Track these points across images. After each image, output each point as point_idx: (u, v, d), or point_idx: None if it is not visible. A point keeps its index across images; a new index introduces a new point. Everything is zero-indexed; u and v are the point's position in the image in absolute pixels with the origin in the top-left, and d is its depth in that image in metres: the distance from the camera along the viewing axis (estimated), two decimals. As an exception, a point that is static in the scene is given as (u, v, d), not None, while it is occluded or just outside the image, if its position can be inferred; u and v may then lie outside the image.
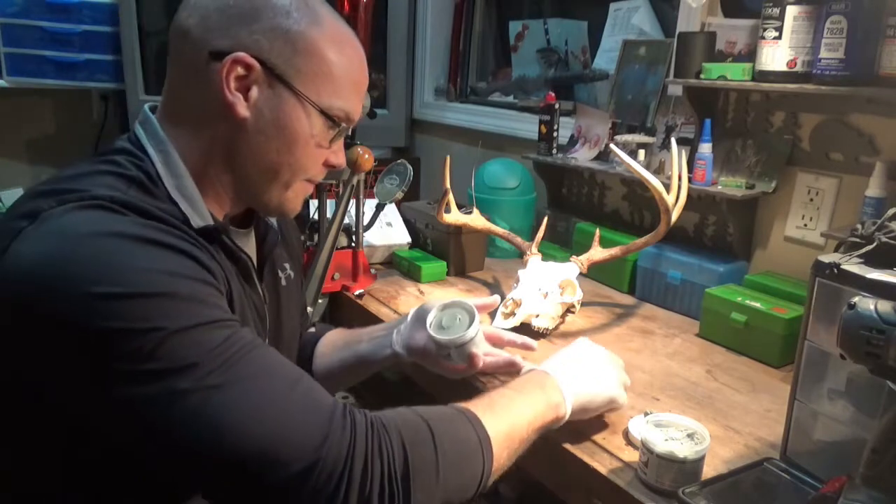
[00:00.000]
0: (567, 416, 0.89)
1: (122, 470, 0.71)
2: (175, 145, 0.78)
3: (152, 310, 0.63)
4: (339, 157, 0.86)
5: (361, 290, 1.64)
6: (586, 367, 0.96)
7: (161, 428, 0.63)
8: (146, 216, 0.69)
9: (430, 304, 1.07)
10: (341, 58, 0.80)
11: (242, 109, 0.76)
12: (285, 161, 0.80)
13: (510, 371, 1.08)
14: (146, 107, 0.82)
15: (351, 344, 1.13)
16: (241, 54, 0.75)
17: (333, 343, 1.15)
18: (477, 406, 0.80)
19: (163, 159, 0.77)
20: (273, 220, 0.96)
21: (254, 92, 0.76)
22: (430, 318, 1.03)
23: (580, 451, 0.98)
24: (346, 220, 1.63)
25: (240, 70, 0.75)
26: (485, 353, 1.07)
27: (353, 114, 0.83)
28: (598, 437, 1.02)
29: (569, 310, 1.39)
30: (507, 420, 0.81)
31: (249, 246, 0.90)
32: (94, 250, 0.64)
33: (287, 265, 1.01)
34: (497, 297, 1.13)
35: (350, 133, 1.68)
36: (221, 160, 0.80)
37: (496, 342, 1.15)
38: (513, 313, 1.32)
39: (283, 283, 0.99)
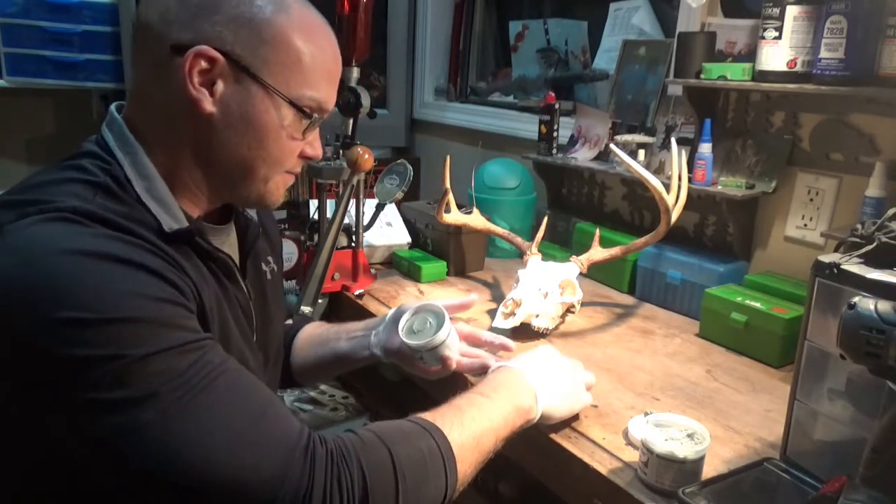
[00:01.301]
0: (537, 419, 0.89)
1: (92, 493, 0.69)
2: (143, 145, 0.75)
3: (113, 337, 0.61)
4: (315, 149, 0.84)
5: (361, 290, 1.64)
6: (555, 369, 0.97)
7: (121, 456, 0.62)
8: (112, 226, 0.67)
9: (405, 307, 1.07)
10: (311, 46, 0.77)
11: (208, 105, 0.74)
12: (258, 155, 0.77)
13: (484, 372, 1.06)
14: (113, 107, 0.79)
15: (329, 341, 1.12)
16: (204, 47, 0.71)
17: (311, 338, 1.13)
18: (444, 416, 0.79)
19: (131, 161, 0.74)
20: (253, 213, 0.94)
21: (219, 86, 0.74)
22: (401, 323, 1.05)
23: (580, 451, 0.98)
24: (346, 220, 1.63)
25: (203, 64, 0.72)
26: (462, 353, 1.07)
27: (325, 104, 0.81)
28: (598, 437, 1.02)
29: (569, 310, 1.39)
30: (474, 429, 0.80)
31: (229, 243, 0.88)
32: (55, 271, 0.62)
33: (270, 258, 0.99)
34: (475, 297, 1.12)
35: (350, 133, 1.69)
36: (192, 158, 0.77)
37: (474, 342, 1.13)
38: (513, 313, 1.32)
39: (269, 276, 0.97)
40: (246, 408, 0.67)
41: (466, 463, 0.78)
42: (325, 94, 0.80)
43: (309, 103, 0.78)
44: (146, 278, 0.65)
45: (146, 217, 0.72)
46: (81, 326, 0.60)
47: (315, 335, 1.14)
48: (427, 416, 0.79)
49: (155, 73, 0.74)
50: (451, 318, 1.05)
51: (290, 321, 1.17)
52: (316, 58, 0.77)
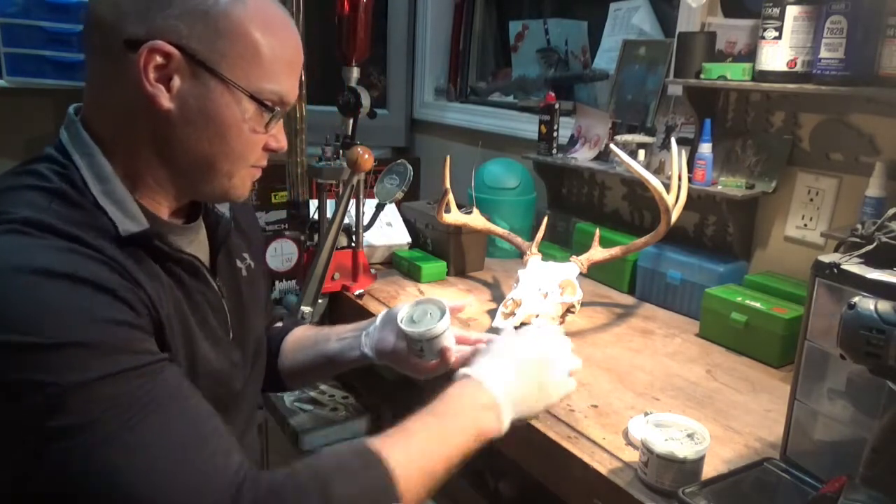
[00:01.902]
0: (505, 430, 0.83)
1: None
2: (101, 145, 0.74)
3: (57, 362, 0.60)
4: (279, 141, 0.82)
5: (361, 290, 1.64)
6: (525, 367, 0.86)
7: (63, 481, 0.62)
8: (64, 237, 0.65)
9: (397, 308, 1.03)
10: (270, 38, 0.74)
11: (165, 101, 0.71)
12: (220, 151, 0.75)
13: None
14: (71, 108, 0.78)
15: (319, 343, 1.09)
16: (158, 42, 0.69)
17: (300, 340, 1.11)
18: (392, 444, 0.75)
19: (87, 163, 0.73)
20: (224, 209, 0.91)
21: (176, 81, 0.71)
22: (401, 314, 1.02)
23: (580, 451, 0.98)
24: (346, 220, 1.63)
25: (158, 59, 0.69)
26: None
27: (287, 96, 0.78)
28: (598, 437, 1.02)
29: (569, 310, 1.39)
30: (423, 456, 0.76)
31: (198, 241, 0.86)
32: (2, 291, 0.61)
33: (246, 255, 0.97)
34: (469, 300, 1.08)
35: (350, 133, 1.69)
36: (153, 156, 0.75)
37: (463, 343, 1.05)
38: (513, 313, 1.32)
39: (244, 273, 0.95)
40: (188, 437, 0.66)
41: (412, 492, 0.73)
42: (287, 86, 0.78)
43: (270, 96, 0.76)
44: (96, 297, 0.64)
45: (102, 222, 0.70)
46: (25, 351, 0.60)
47: (304, 338, 1.11)
48: (374, 442, 0.75)
49: (109, 70, 0.72)
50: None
51: (279, 324, 1.15)
52: (275, 50, 0.75)
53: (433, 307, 1.03)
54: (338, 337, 1.08)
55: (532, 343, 0.90)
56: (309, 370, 1.09)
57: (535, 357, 0.88)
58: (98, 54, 0.73)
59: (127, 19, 0.70)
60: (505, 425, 0.82)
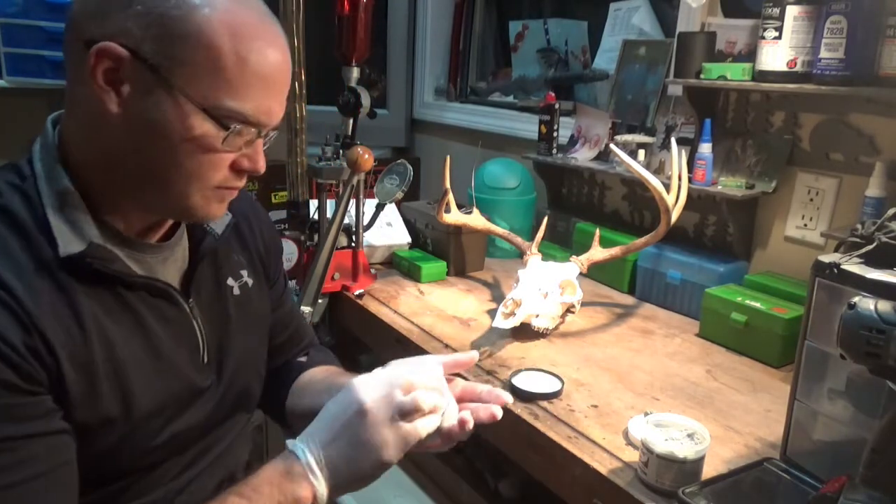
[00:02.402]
0: (323, 497, 0.71)
1: None
2: (68, 155, 0.71)
3: None
4: (253, 162, 0.73)
5: (361, 290, 1.64)
6: (337, 423, 0.72)
7: None
8: None
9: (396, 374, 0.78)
10: (239, 48, 0.66)
11: (113, 107, 0.66)
12: (170, 167, 0.69)
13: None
14: (50, 117, 0.74)
15: (329, 393, 0.91)
16: (108, 44, 0.64)
17: (312, 383, 1.00)
18: None
19: (46, 174, 0.70)
20: (218, 225, 0.84)
21: (126, 87, 0.66)
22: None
23: (580, 451, 0.98)
24: (346, 220, 1.63)
25: (108, 62, 0.65)
26: (461, 410, 0.78)
27: (256, 116, 0.69)
28: (598, 437, 1.02)
29: (569, 310, 1.39)
30: None
31: (173, 259, 0.80)
32: None
33: (244, 272, 0.90)
34: (475, 354, 0.83)
35: (350, 133, 1.69)
36: (110, 167, 0.70)
37: (472, 397, 0.82)
38: (513, 313, 1.32)
39: (236, 292, 0.87)
40: None
41: None
42: (257, 105, 0.69)
43: (228, 114, 0.67)
44: None
45: (39, 244, 0.67)
46: None
47: (318, 380, 1.00)
48: None
49: (74, 71, 0.68)
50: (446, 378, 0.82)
51: (304, 358, 1.05)
52: (245, 63, 0.67)
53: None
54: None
55: (348, 395, 0.73)
56: (310, 418, 0.94)
57: (350, 411, 0.72)
58: (67, 55, 0.69)
59: (90, 20, 0.66)
60: (321, 492, 0.70)
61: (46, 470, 0.64)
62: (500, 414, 0.77)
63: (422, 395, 0.72)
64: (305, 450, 0.71)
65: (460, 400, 0.80)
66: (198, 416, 0.81)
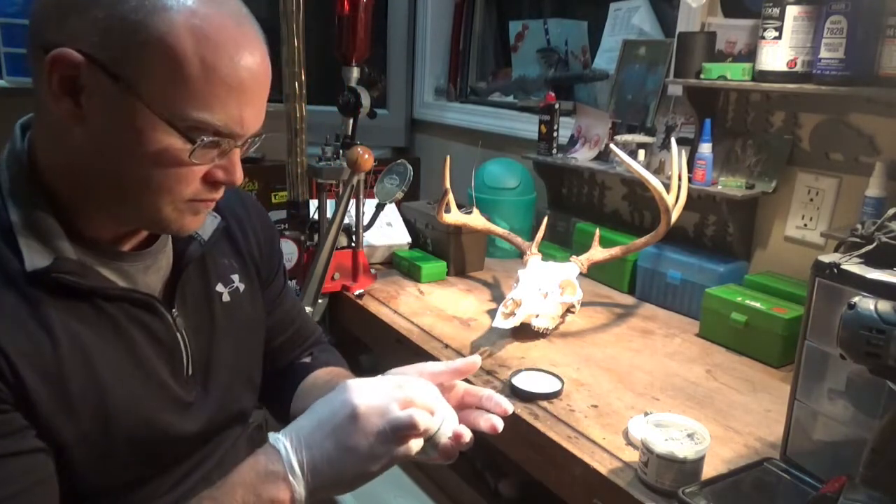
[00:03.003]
0: (301, 498, 0.67)
1: None
2: (38, 158, 0.68)
3: None
4: (229, 174, 0.69)
5: (361, 290, 1.64)
6: (327, 425, 0.68)
7: None
8: None
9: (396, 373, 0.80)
10: (205, 54, 0.61)
11: (72, 117, 0.62)
12: (134, 179, 0.65)
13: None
14: (19, 122, 0.71)
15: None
16: (64, 50, 0.60)
17: (316, 386, 0.96)
18: None
19: (13, 186, 0.67)
20: (204, 231, 0.80)
21: (84, 96, 0.62)
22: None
23: (580, 451, 0.98)
24: (346, 220, 1.63)
25: (65, 69, 0.61)
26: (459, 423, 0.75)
27: (227, 126, 0.65)
28: (598, 437, 1.02)
29: (569, 310, 1.39)
30: None
31: (156, 267, 0.77)
32: None
33: (235, 276, 0.86)
34: (477, 359, 0.79)
35: (350, 133, 1.69)
36: (79, 176, 0.67)
37: (473, 401, 0.79)
38: (513, 313, 1.32)
39: (226, 298, 0.84)
40: None
41: None
42: (226, 114, 0.64)
43: (195, 124, 0.63)
44: None
45: (7, 258, 0.64)
46: None
47: (322, 383, 0.96)
48: None
49: (36, 77, 0.64)
50: (443, 386, 0.79)
51: (308, 359, 1.02)
52: (213, 71, 0.62)
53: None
54: None
55: (341, 396, 0.69)
56: None
57: (342, 414, 0.68)
58: (29, 60, 0.65)
59: (47, 24, 0.62)
60: (298, 492, 0.66)
61: (20, 490, 0.62)
62: (500, 426, 0.75)
63: (418, 414, 0.67)
64: (288, 448, 0.67)
65: (462, 404, 0.78)
66: (184, 431, 0.77)
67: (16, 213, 0.65)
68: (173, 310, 0.77)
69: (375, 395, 0.68)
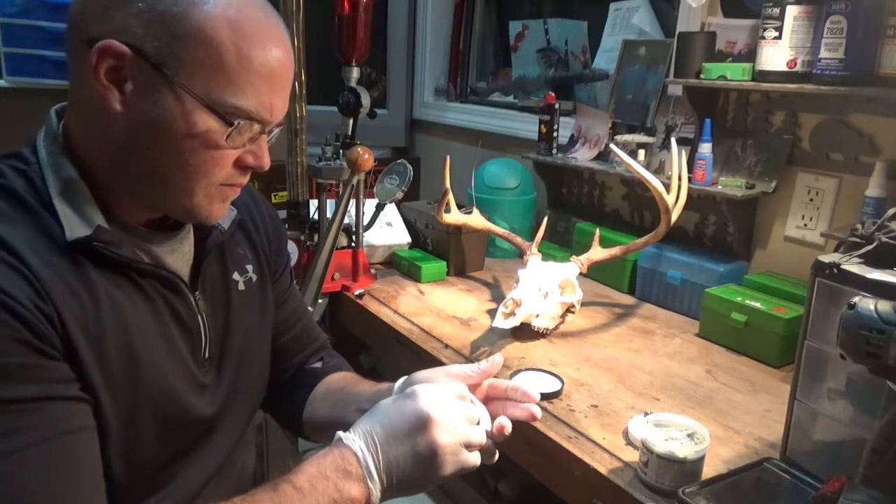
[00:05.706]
0: (376, 499, 0.71)
1: None
2: (72, 146, 0.72)
3: None
4: (258, 158, 0.74)
5: (361, 290, 1.64)
6: (398, 430, 0.71)
7: None
8: None
9: (415, 379, 0.82)
10: (241, 44, 0.67)
11: (116, 104, 0.67)
12: (173, 163, 0.69)
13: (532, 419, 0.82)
14: (53, 108, 0.75)
15: (348, 403, 0.92)
16: (110, 42, 0.64)
17: (330, 392, 0.97)
18: None
19: (52, 162, 0.70)
20: (223, 220, 0.83)
21: (129, 84, 0.66)
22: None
23: (580, 451, 0.98)
24: (346, 220, 1.63)
25: (111, 59, 0.65)
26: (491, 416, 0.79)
27: (259, 112, 0.70)
28: (598, 437, 1.02)
29: (569, 310, 1.39)
30: None
31: (181, 252, 0.80)
32: None
33: (250, 266, 0.90)
34: (499, 358, 0.82)
35: (350, 133, 1.69)
36: (115, 163, 0.71)
37: (497, 394, 0.83)
38: (513, 313, 1.32)
39: (241, 287, 0.88)
40: (40, 488, 0.62)
41: None
42: (258, 101, 0.69)
43: (232, 110, 0.68)
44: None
45: (48, 225, 0.67)
46: None
47: (335, 389, 0.97)
48: None
49: (77, 68, 0.69)
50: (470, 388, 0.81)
51: (318, 364, 1.03)
52: (247, 59, 0.67)
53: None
54: (358, 407, 0.89)
55: (414, 404, 0.72)
56: (328, 428, 0.93)
57: (413, 419, 0.71)
58: (69, 52, 0.70)
59: (91, 18, 0.67)
60: (374, 495, 0.69)
61: (69, 430, 0.65)
62: (539, 412, 0.80)
63: (485, 429, 0.74)
64: (364, 450, 0.70)
65: (488, 398, 0.82)
66: (200, 414, 0.80)
67: (55, 189, 0.69)
68: (196, 293, 0.81)
69: (446, 406, 0.72)
